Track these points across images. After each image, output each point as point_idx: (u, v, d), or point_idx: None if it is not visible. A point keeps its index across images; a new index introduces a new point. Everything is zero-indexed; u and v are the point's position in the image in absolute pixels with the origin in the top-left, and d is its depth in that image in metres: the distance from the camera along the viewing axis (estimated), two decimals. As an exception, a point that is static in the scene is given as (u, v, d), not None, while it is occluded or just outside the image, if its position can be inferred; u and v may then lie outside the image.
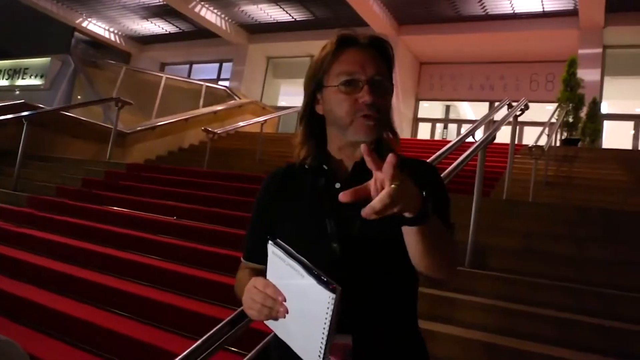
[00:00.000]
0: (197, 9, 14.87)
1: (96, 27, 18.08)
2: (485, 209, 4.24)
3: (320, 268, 1.11)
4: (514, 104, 5.81)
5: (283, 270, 1.00)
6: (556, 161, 7.97)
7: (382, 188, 0.89)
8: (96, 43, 19.25)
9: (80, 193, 5.69)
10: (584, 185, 6.63)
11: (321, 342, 0.94)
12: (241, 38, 16.65)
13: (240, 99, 13.26)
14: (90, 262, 3.94)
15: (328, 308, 0.92)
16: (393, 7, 13.06)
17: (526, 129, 13.16)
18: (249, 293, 1.06)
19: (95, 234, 4.47)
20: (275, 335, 1.20)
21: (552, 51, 12.67)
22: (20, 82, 13.07)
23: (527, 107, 5.10)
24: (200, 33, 16.78)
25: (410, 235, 1.01)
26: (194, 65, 19.60)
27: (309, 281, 0.94)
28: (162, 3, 15.13)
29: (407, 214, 0.95)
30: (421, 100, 15.32)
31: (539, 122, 10.05)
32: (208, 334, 1.59)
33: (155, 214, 4.84)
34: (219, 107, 11.89)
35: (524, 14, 12.39)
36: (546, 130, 7.53)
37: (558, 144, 9.52)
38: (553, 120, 8.52)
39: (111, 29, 18.45)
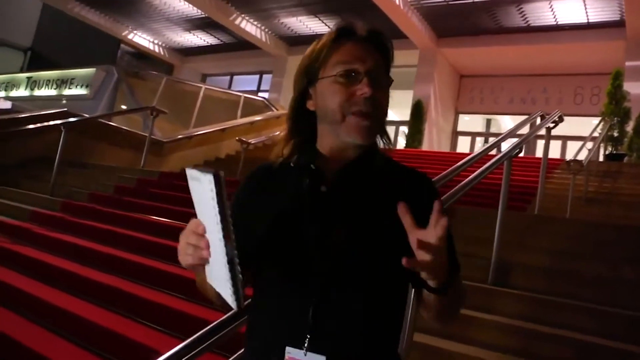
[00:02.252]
0: (237, 21, 15.10)
1: (141, 39, 18.60)
2: (513, 224, 4.10)
3: (296, 278, 1.06)
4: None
5: (197, 190, 0.89)
6: (598, 177, 7.66)
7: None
8: (141, 54, 19.81)
9: (112, 199, 5.80)
10: (626, 203, 6.33)
11: (222, 243, 0.83)
12: (281, 50, 16.80)
13: (277, 110, 13.34)
14: (117, 268, 3.97)
15: (212, 196, 0.81)
16: (432, 20, 12.93)
17: (570, 143, 12.77)
18: (180, 239, 0.96)
19: (122, 240, 4.53)
20: (248, 326, 1.15)
21: (597, 63, 12.27)
22: (67, 91, 13.54)
23: (561, 120, 4.90)
24: (241, 45, 17.04)
25: (428, 295, 0.98)
26: (235, 77, 19.90)
27: (201, 179, 0.84)
28: (203, 15, 15.44)
29: (430, 282, 0.92)
30: (461, 113, 15.07)
31: (583, 136, 9.71)
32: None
33: (184, 222, 4.86)
34: (256, 118, 11.97)
35: (567, 25, 12.06)
36: (588, 145, 7.25)
37: (602, 159, 9.17)
38: (596, 134, 8.19)
39: (155, 41, 18.94)
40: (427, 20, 12.91)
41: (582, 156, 6.54)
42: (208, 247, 0.89)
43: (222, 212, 0.82)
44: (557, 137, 13.10)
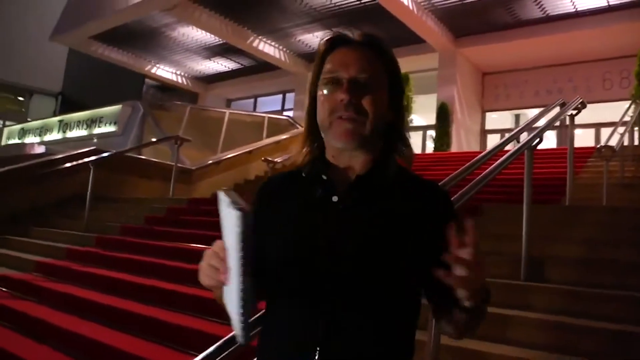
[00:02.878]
0: (255, 44, 15.29)
1: (164, 71, 19.02)
2: (544, 218, 3.98)
3: (305, 292, 1.03)
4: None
5: (225, 216, 0.91)
6: (635, 161, 7.40)
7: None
8: (165, 86, 20.25)
9: (143, 230, 5.88)
10: (666, 185, 6.10)
11: (239, 275, 0.85)
12: (300, 67, 16.91)
13: (302, 127, 13.39)
14: (150, 298, 4.01)
15: (237, 230, 0.83)
16: (448, 21, 12.82)
17: (604, 130, 12.40)
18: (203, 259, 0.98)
19: (154, 269, 4.58)
20: (259, 342, 1.13)
21: (622, 46, 11.92)
22: (97, 130, 13.90)
23: (583, 106, 4.75)
24: (261, 66, 17.24)
25: (458, 313, 0.97)
26: (259, 98, 20.11)
27: (228, 209, 0.86)
28: (221, 42, 15.70)
29: (466, 302, 0.91)
30: (487, 111, 14.84)
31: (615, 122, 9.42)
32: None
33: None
34: (281, 137, 12.06)
35: (587, 11, 11.77)
36: (620, 130, 7.02)
37: (637, 142, 8.86)
38: (627, 118, 7.92)
39: (178, 72, 19.33)
40: (442, 21, 12.81)
41: (615, 142, 6.34)
42: (227, 272, 0.90)
43: (244, 249, 0.84)
44: (589, 125, 12.77)
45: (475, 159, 2.97)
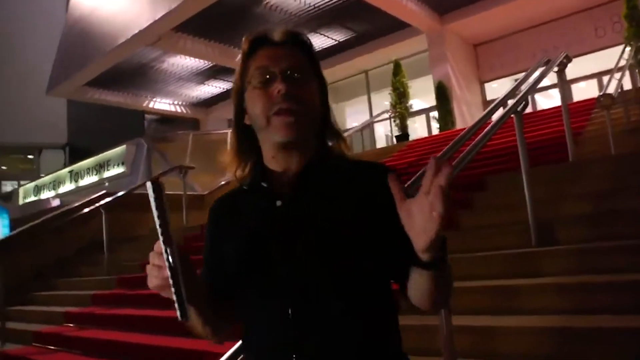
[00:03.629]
0: (242, 61, 15.33)
1: (162, 104, 19.16)
2: (547, 179, 3.93)
3: (270, 298, 1.04)
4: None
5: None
6: (638, 104, 7.27)
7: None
8: (166, 118, 20.42)
9: (161, 264, 5.92)
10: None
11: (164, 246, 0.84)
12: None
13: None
14: (175, 329, 4.02)
15: (152, 203, 0.83)
16: (429, 0, 12.74)
17: (605, 79, 12.19)
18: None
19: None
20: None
21: (608, -10, 11.74)
22: (106, 174, 14.05)
23: (569, 60, 4.66)
24: (254, 82, 17.28)
25: (419, 276, 0.93)
26: (260, 113, 20.17)
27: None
28: (211, 65, 15.78)
29: (425, 255, 0.86)
30: (485, 82, 14.69)
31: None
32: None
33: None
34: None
35: (566, -37, 11.62)
36: (617, 75, 6.91)
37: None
38: (622, 62, 7.78)
39: (175, 102, 19.47)
40: (424, 2, 12.73)
41: (613, 89, 6.24)
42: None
43: (161, 217, 0.83)
44: (591, 77, 12.60)
45: (461, 134, 2.94)
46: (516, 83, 3.76)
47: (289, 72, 1.06)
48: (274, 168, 1.11)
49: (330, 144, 1.16)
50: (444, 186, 0.78)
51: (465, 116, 13.15)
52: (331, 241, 1.01)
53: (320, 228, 1.02)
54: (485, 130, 2.86)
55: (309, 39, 1.15)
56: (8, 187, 25.31)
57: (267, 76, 1.06)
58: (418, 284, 0.97)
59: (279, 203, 1.07)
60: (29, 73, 23.62)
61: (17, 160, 27.80)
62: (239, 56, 1.16)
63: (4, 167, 27.29)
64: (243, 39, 1.14)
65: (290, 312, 0.99)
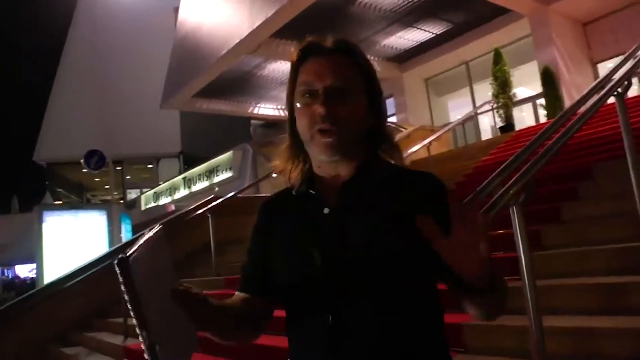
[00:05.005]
0: (342, 60, 15.44)
1: (266, 109, 19.82)
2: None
3: (309, 305, 1.05)
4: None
5: None
6: None
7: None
8: (270, 123, 21.11)
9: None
10: None
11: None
12: (393, 71, 16.79)
13: (406, 129, 13.25)
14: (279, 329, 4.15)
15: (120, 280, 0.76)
16: (531, -20, 12.08)
17: None
18: None
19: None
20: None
21: None
22: (216, 179, 14.82)
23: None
24: (353, 80, 17.35)
25: (467, 295, 0.96)
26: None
27: None
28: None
29: (476, 284, 0.89)
30: (598, 63, 13.64)
31: None
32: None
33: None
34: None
35: None
36: None
37: None
38: None
39: (278, 107, 20.03)
40: (524, -16, 12.09)
41: None
42: None
43: (131, 299, 0.78)
44: None
45: (551, 122, 2.77)
46: (618, 62, 3.45)
47: (331, 88, 1.06)
48: (322, 175, 1.13)
49: (382, 151, 1.16)
50: (482, 234, 0.83)
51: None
52: (376, 251, 1.00)
53: (365, 237, 1.02)
54: (576, 117, 2.66)
55: (359, 48, 1.15)
56: (132, 194, 27.50)
57: (310, 94, 1.07)
58: (472, 301, 0.98)
59: (326, 210, 1.08)
60: (145, 90, 25.48)
61: (138, 170, 30.20)
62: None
63: (128, 177, 29.72)
64: (292, 49, 1.16)
65: (330, 319, 1.00)
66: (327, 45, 1.12)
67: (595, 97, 2.86)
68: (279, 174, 1.19)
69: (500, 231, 3.16)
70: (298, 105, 1.10)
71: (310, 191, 1.12)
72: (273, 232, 1.17)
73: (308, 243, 1.06)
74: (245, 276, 1.22)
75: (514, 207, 2.13)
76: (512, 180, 2.17)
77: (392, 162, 1.15)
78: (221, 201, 7.59)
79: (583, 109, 2.80)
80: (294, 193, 1.16)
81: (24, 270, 20.98)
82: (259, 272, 1.17)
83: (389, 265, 1.00)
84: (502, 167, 2.39)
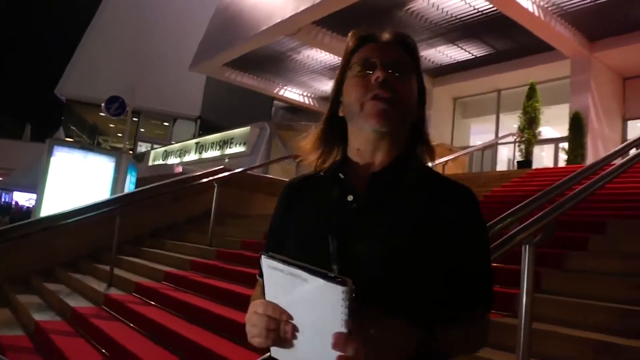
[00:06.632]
0: (377, 62, 15.38)
1: (291, 93, 19.84)
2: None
3: None
4: None
5: (283, 282, 0.88)
6: None
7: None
8: (293, 107, 21.10)
9: (260, 245, 6.12)
10: None
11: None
12: (427, 83, 16.68)
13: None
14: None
15: (342, 305, 0.79)
16: (580, 24, 11.93)
17: None
18: (250, 321, 0.94)
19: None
20: None
21: None
22: (228, 150, 14.86)
23: None
24: (385, 85, 17.30)
25: None
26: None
27: (315, 283, 0.82)
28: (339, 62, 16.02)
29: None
30: (630, 120, 13.52)
31: None
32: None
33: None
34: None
35: None
36: None
37: None
38: None
39: (304, 93, 20.04)
40: (573, 25, 11.94)
41: None
42: (293, 333, 0.88)
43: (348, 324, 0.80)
44: None
45: (576, 171, 2.73)
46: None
47: (390, 63, 1.05)
48: (356, 160, 1.10)
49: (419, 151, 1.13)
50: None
51: (600, 153, 12.19)
52: (391, 249, 0.98)
53: (383, 232, 0.99)
54: (609, 169, 2.63)
55: (415, 43, 1.14)
56: (143, 148, 27.59)
57: (368, 65, 1.06)
58: None
59: (350, 198, 1.05)
60: (177, 49, 25.50)
61: (154, 125, 30.26)
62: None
63: (142, 129, 29.79)
64: (349, 34, 1.14)
65: None
66: (386, 35, 1.11)
67: (633, 152, 2.82)
68: (302, 157, 1.17)
69: (503, 265, 3.14)
70: (354, 76, 1.08)
71: (340, 175, 1.09)
72: (295, 210, 1.14)
73: (326, 228, 1.02)
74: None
75: (527, 246, 2.10)
76: (533, 217, 2.14)
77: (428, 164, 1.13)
78: (230, 174, 7.58)
79: (618, 161, 2.76)
80: (322, 174, 1.13)
81: (22, 198, 21.12)
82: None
83: (398, 267, 0.96)
84: (526, 201, 2.36)
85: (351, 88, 1.07)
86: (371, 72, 1.05)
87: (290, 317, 0.88)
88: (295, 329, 0.87)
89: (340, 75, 1.13)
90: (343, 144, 1.15)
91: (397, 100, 1.03)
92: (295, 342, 0.88)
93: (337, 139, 1.15)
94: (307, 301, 0.84)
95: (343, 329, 0.79)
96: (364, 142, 1.09)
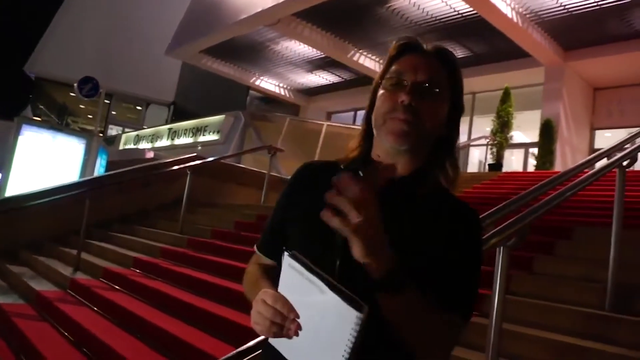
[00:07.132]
0: (355, 58, 15.43)
1: (267, 84, 19.73)
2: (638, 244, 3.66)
3: None
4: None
5: (299, 284, 0.90)
6: None
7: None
8: (268, 98, 21.00)
9: (231, 235, 6.12)
10: None
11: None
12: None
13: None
14: (229, 300, 4.13)
15: (353, 329, 0.80)
16: (556, 33, 12.17)
17: None
18: (257, 306, 0.95)
19: (237, 272, 4.73)
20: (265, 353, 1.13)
21: None
22: (201, 138, 14.71)
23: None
24: (361, 80, 17.30)
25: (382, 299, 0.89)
26: (358, 112, 20.19)
27: (331, 298, 0.84)
28: (322, 56, 16.03)
29: (370, 269, 0.85)
30: (597, 129, 13.87)
31: None
32: None
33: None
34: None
35: None
36: None
37: None
38: None
39: (280, 84, 19.96)
40: (550, 34, 12.17)
41: None
42: (296, 333, 0.90)
43: (352, 354, 0.82)
44: None
45: (554, 176, 2.80)
46: (630, 135, 3.52)
47: (420, 84, 1.07)
48: (376, 163, 1.13)
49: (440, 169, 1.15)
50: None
51: (567, 160, 12.50)
52: (393, 251, 0.97)
53: (389, 236, 0.99)
54: (582, 177, 2.71)
55: (457, 61, 1.15)
56: (113, 131, 27.08)
57: (398, 83, 1.08)
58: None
59: None
60: (152, 32, 25.03)
61: (126, 109, 29.70)
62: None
63: (113, 112, 29.22)
64: (393, 43, 1.16)
65: None
66: (427, 47, 1.14)
67: (604, 161, 2.91)
68: (346, 152, 1.19)
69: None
70: (384, 91, 1.10)
71: (360, 172, 1.10)
72: (297, 198, 1.17)
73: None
74: (268, 238, 1.24)
75: (502, 248, 2.15)
76: (509, 221, 2.19)
77: (445, 184, 1.14)
78: (203, 162, 7.52)
79: (592, 170, 2.84)
80: (342, 167, 1.15)
81: (-15, 177, 20.51)
82: (274, 238, 1.19)
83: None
84: (502, 204, 2.41)
85: (380, 100, 1.10)
86: (399, 90, 1.07)
87: (297, 317, 0.89)
88: (298, 327, 0.89)
89: (379, 78, 1.15)
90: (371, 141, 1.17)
91: (417, 124, 1.05)
92: (294, 339, 0.90)
93: (371, 137, 1.17)
94: (319, 310, 0.86)
95: (345, 354, 0.81)
96: (383, 153, 1.12)
